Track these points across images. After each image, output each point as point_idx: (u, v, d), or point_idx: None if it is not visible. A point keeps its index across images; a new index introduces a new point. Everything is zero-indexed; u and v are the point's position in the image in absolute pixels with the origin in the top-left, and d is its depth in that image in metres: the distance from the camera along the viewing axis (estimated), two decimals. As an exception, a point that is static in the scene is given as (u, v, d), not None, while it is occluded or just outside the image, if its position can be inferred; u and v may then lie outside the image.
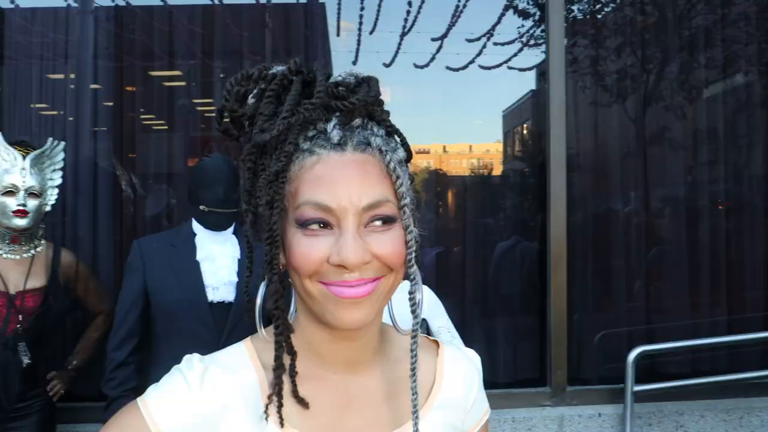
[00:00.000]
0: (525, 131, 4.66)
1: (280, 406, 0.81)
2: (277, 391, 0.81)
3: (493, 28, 3.87)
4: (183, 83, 3.51)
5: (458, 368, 0.97)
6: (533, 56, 3.96)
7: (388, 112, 0.86)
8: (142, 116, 3.44)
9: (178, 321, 2.27)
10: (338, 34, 3.84)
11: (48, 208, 2.44)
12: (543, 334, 3.03)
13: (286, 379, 0.83)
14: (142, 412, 0.82)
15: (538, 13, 3.98)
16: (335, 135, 0.79)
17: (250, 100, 0.82)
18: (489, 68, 3.87)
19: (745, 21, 3.54)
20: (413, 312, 0.85)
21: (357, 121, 0.81)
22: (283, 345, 0.82)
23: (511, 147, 4.56)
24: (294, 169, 0.79)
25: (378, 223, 0.79)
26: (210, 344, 2.25)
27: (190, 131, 3.51)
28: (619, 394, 2.84)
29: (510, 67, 3.87)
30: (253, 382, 0.85)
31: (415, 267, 0.82)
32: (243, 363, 0.87)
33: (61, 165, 2.49)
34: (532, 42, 4.01)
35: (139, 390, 2.25)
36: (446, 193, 4.01)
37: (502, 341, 3.21)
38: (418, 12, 3.75)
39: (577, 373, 3.06)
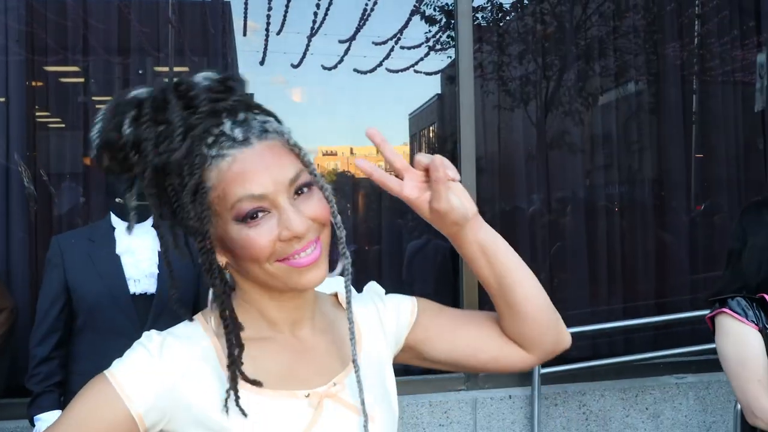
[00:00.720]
0: (431, 134, 4.82)
1: (237, 399, 0.86)
2: (232, 384, 0.86)
3: (401, 32, 3.99)
4: (81, 80, 3.44)
5: (367, 311, 1.05)
6: (439, 61, 4.14)
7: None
8: (38, 114, 3.35)
9: (100, 314, 2.24)
10: (245, 34, 3.85)
11: None
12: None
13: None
14: (112, 384, 0.86)
15: (444, 19, 4.14)
16: (238, 133, 0.85)
17: (126, 129, 0.84)
18: (396, 71, 3.99)
19: (634, 33, 3.84)
20: (342, 253, 0.94)
21: (241, 116, 0.87)
22: (234, 341, 0.87)
23: (418, 149, 4.70)
24: (211, 177, 0.84)
25: (302, 191, 0.87)
26: (133, 336, 2.19)
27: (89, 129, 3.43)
28: (527, 378, 3.01)
29: (417, 71, 4.02)
30: (209, 350, 0.91)
31: (338, 216, 0.91)
32: (198, 333, 0.93)
33: None
34: (438, 47, 4.17)
35: (64, 384, 2.22)
36: (355, 194, 4.09)
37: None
38: (326, 14, 3.82)
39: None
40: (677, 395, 3.19)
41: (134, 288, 2.28)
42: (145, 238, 2.34)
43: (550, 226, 3.65)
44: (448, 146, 3.96)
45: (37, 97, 3.34)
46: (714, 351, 1.87)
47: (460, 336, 1.05)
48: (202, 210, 0.84)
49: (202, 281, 2.42)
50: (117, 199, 2.31)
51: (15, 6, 3.21)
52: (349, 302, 0.95)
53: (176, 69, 3.54)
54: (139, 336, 2.24)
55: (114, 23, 3.37)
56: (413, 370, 3.13)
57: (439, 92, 4.39)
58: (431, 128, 4.75)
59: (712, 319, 1.87)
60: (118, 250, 2.30)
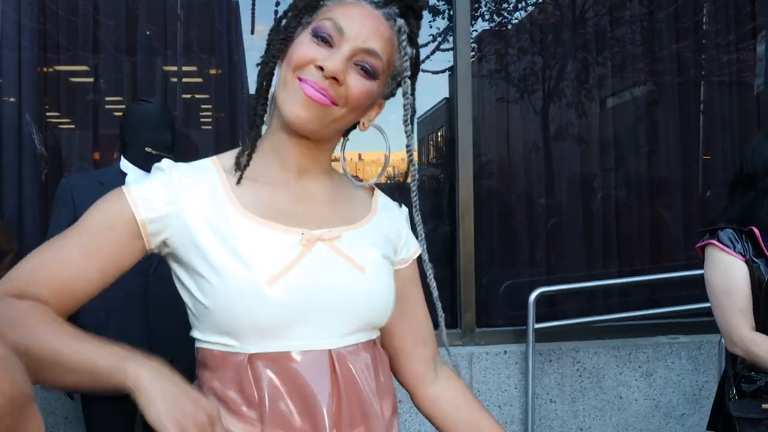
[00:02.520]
0: (439, 138, 4.74)
1: (244, 168, 1.01)
2: (246, 160, 1.01)
3: None
4: (90, 79, 3.47)
5: (389, 212, 1.16)
6: (446, 62, 3.92)
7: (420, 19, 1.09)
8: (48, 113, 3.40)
9: (109, 252, 2.34)
10: (252, 32, 3.83)
11: None
12: (454, 282, 3.25)
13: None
14: (125, 194, 0.99)
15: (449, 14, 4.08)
16: None
17: None
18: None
19: (638, 23, 3.84)
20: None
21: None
22: (249, 149, 1.01)
23: (426, 153, 4.60)
24: (329, 3, 1.00)
25: (361, 67, 0.97)
26: (139, 273, 2.34)
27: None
28: (522, 335, 3.09)
29: (424, 70, 3.90)
30: (215, 177, 1.02)
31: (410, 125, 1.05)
32: (207, 166, 1.04)
33: None
34: (444, 46, 4.09)
35: (71, 320, 2.31)
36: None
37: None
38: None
39: (486, 317, 3.29)
40: (670, 354, 3.27)
41: (142, 230, 2.37)
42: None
43: (547, 198, 3.70)
44: (480, 153, 3.93)
45: (48, 96, 3.39)
46: (706, 313, 1.94)
47: (398, 316, 1.13)
48: (307, 14, 1.00)
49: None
50: (147, 149, 2.41)
51: (27, 3, 3.28)
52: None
53: (184, 68, 3.61)
54: (143, 276, 2.37)
55: (123, 21, 3.43)
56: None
57: (447, 96, 4.34)
58: (439, 132, 4.73)
59: (703, 249, 1.94)
60: (130, 194, 2.40)
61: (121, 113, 3.18)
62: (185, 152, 3.18)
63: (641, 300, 3.50)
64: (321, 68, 0.95)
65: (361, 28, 0.97)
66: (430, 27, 3.83)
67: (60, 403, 2.82)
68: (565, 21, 3.75)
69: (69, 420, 2.84)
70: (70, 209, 2.36)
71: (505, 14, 4.00)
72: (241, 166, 1.01)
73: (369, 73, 0.98)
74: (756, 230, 1.85)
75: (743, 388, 1.87)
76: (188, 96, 3.58)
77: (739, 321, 1.82)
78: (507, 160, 3.75)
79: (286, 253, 0.98)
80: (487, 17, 3.96)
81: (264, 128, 1.06)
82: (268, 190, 1.02)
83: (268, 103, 1.03)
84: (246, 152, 1.01)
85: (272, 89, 1.02)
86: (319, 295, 0.98)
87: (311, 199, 1.05)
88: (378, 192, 1.18)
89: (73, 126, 3.42)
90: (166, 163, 1.03)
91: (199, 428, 0.82)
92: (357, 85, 0.97)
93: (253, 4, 3.70)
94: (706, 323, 2.92)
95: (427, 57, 3.81)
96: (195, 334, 1.05)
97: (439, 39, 3.95)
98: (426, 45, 3.87)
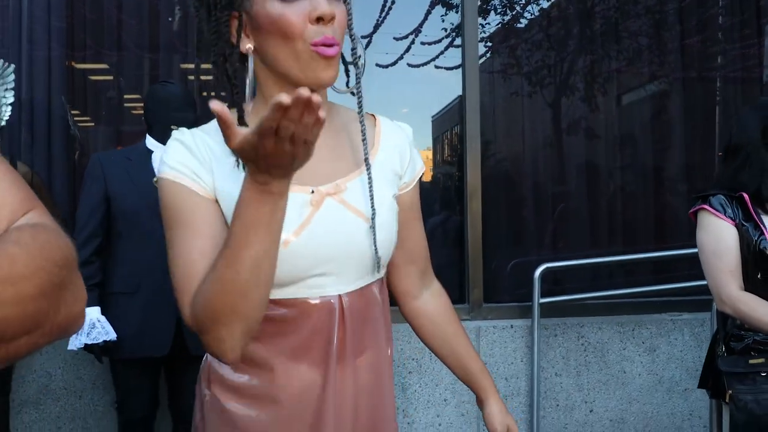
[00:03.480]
0: (454, 136, 4.69)
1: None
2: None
3: (420, 26, 3.89)
4: (111, 77, 3.56)
5: (392, 138, 1.21)
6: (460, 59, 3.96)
7: None
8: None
9: (137, 223, 2.51)
10: None
11: (3, 123, 2.59)
12: (462, 261, 3.38)
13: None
14: (178, 182, 1.03)
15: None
16: None
17: None
18: (417, 66, 3.90)
19: (649, 15, 3.91)
20: (354, 65, 1.10)
21: None
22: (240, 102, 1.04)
23: (441, 152, 4.57)
24: None
25: None
26: (164, 243, 2.48)
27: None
28: (528, 311, 3.21)
29: (437, 66, 3.90)
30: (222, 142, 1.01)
31: (354, 29, 1.07)
32: (213, 128, 1.09)
33: (12, 85, 2.66)
34: (457, 43, 4.13)
35: (102, 285, 2.46)
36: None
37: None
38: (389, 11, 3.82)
39: (493, 293, 3.41)
40: (673, 331, 3.37)
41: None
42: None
43: (555, 192, 3.80)
44: (488, 141, 3.89)
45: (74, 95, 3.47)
46: (708, 291, 2.04)
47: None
48: None
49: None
50: (173, 127, 2.56)
51: (56, 3, 3.39)
52: (360, 106, 1.11)
53: (202, 66, 3.69)
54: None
55: (145, 19, 3.53)
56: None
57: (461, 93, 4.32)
58: (454, 130, 4.69)
59: (696, 215, 2.06)
60: (155, 170, 2.54)
61: (139, 111, 3.34)
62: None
63: (645, 278, 3.60)
64: (319, 19, 0.99)
65: None
66: (443, 21, 3.91)
67: (89, 368, 2.98)
68: (576, 14, 3.86)
69: (96, 385, 3.00)
70: (101, 183, 2.52)
71: (518, 8, 4.10)
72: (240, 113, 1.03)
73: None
74: (746, 195, 1.97)
75: (732, 345, 1.99)
76: (205, 94, 3.71)
77: (729, 281, 1.93)
78: (513, 147, 3.86)
79: (299, 213, 1.06)
80: (499, 11, 4.06)
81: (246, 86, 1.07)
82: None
83: (248, 85, 1.05)
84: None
85: (249, 73, 1.05)
86: (329, 252, 1.08)
87: (317, 149, 1.07)
88: (379, 119, 1.21)
89: (93, 123, 3.55)
90: (180, 133, 1.07)
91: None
92: (341, 13, 1.02)
93: None
94: (708, 301, 3.02)
95: (441, 53, 3.89)
96: None
97: (453, 35, 4.07)
98: (440, 41, 3.97)
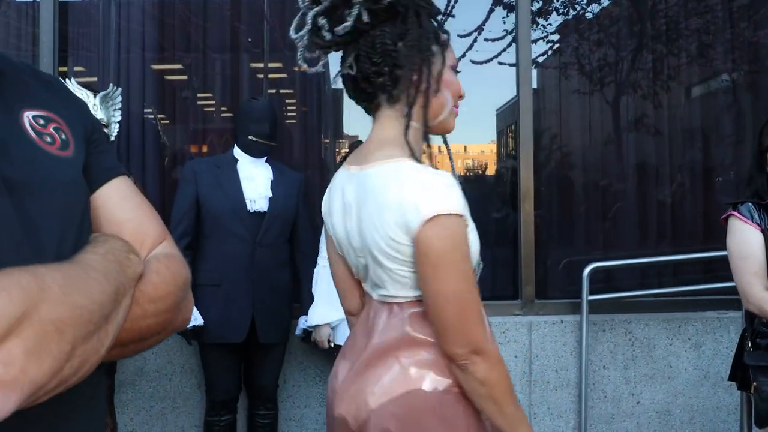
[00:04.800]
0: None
1: None
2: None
3: (483, 24, 4.03)
4: (185, 77, 3.89)
5: None
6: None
7: None
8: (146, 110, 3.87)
9: (223, 225, 2.84)
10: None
11: (112, 139, 2.97)
12: (515, 259, 3.62)
13: None
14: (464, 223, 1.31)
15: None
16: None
17: None
18: (480, 63, 4.03)
19: (712, 12, 4.03)
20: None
21: None
22: None
23: (505, 145, 4.52)
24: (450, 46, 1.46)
25: None
26: (248, 242, 2.82)
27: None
28: (578, 307, 3.42)
29: (501, 63, 4.00)
30: None
31: None
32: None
33: (119, 105, 3.01)
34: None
35: (192, 277, 2.80)
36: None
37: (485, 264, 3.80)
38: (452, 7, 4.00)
39: (545, 290, 3.64)
40: (718, 328, 3.52)
41: (251, 206, 2.86)
42: (262, 169, 2.93)
43: (606, 193, 3.98)
44: (543, 141, 4.11)
45: (147, 94, 3.80)
46: None
47: None
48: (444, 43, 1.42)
49: (299, 208, 2.99)
50: (250, 137, 2.89)
51: (138, 7, 3.76)
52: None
53: (270, 65, 4.00)
54: (251, 244, 2.95)
55: (215, 22, 3.83)
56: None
57: (535, 86, 4.23)
58: (512, 127, 4.68)
59: (726, 220, 2.26)
60: (240, 177, 2.89)
61: (211, 108, 3.70)
62: (282, 142, 3.67)
63: (692, 277, 3.76)
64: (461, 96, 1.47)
65: None
66: (504, 23, 4.06)
67: (178, 354, 3.35)
68: (632, 13, 4.03)
69: (185, 369, 3.36)
70: (192, 187, 2.87)
71: (573, 9, 4.27)
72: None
73: None
74: None
75: (758, 342, 2.18)
76: (273, 91, 4.04)
77: (754, 282, 2.13)
78: (567, 147, 4.06)
79: None
80: (560, 11, 4.23)
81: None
82: None
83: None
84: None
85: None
86: None
87: None
88: None
89: (168, 121, 3.89)
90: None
91: None
92: None
93: None
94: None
95: (504, 50, 4.01)
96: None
97: (512, 35, 4.22)
98: (501, 38, 4.09)
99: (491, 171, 4.37)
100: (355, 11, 1.32)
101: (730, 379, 2.35)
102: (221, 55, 3.93)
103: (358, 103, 1.47)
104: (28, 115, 0.82)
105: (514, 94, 3.77)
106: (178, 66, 3.94)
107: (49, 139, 0.82)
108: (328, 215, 1.48)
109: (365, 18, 1.33)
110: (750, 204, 2.20)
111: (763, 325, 2.17)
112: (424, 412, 1.28)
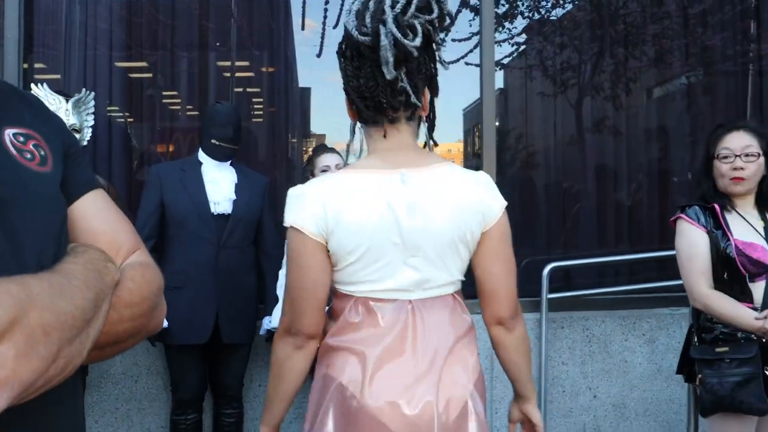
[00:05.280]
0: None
1: None
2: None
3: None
4: (149, 74, 3.89)
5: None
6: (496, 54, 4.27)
7: None
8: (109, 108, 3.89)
9: (187, 227, 2.87)
10: (303, 28, 4.06)
11: (84, 143, 2.98)
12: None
13: None
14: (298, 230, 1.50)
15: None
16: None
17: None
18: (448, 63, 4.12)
19: (670, 18, 4.18)
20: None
21: None
22: None
23: (472, 145, 4.58)
24: None
25: None
26: (212, 245, 2.86)
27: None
28: (538, 305, 3.52)
29: (467, 63, 4.05)
30: None
31: None
32: None
33: (92, 110, 3.03)
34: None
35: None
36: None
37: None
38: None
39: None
40: (671, 324, 3.66)
41: (215, 209, 2.90)
42: (226, 172, 2.97)
43: (567, 194, 4.12)
44: (508, 141, 4.27)
45: (113, 92, 3.81)
46: None
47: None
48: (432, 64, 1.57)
49: (264, 210, 3.03)
50: (213, 141, 2.92)
51: (104, 5, 3.75)
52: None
53: (237, 63, 4.03)
54: (216, 246, 2.99)
55: (181, 19, 3.84)
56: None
57: (501, 86, 4.40)
58: (476, 127, 4.70)
59: (675, 222, 2.37)
60: (204, 180, 2.92)
61: (177, 107, 3.72)
62: (249, 140, 3.71)
63: (646, 275, 3.89)
64: None
65: None
66: (470, 26, 4.16)
67: (144, 356, 3.37)
68: (592, 17, 4.15)
69: (150, 371, 3.39)
70: (157, 191, 2.90)
71: (542, 10, 4.38)
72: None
73: None
74: (717, 207, 2.27)
75: (704, 337, 2.30)
76: (240, 90, 4.05)
77: (699, 281, 2.25)
78: (529, 149, 4.17)
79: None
80: (526, 14, 4.32)
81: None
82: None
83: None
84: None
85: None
86: None
87: None
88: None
89: (133, 119, 3.88)
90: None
91: None
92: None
93: (304, 1, 4.06)
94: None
95: (471, 51, 4.06)
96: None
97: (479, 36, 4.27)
98: (468, 39, 4.13)
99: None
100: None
101: (678, 372, 2.46)
102: (188, 53, 3.94)
103: (379, 112, 1.53)
104: (8, 133, 0.88)
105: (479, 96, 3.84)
106: (144, 64, 3.94)
107: (29, 155, 0.88)
108: (359, 221, 1.48)
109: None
110: (697, 207, 2.32)
111: (708, 321, 2.28)
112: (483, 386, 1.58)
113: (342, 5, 4.05)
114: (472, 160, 4.33)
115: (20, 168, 0.86)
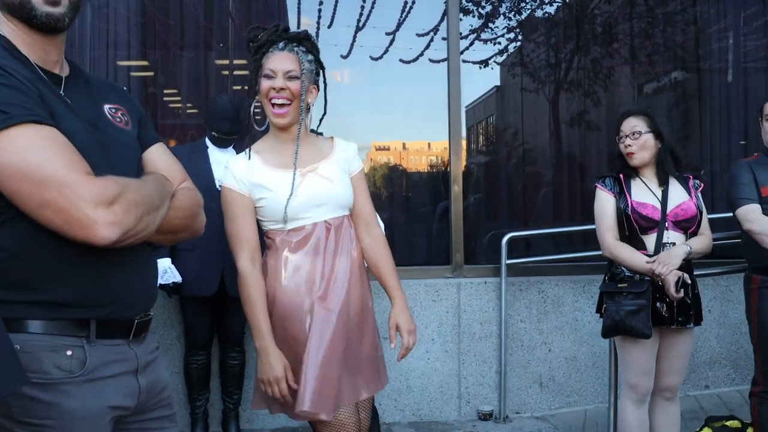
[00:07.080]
0: (489, 127, 5.04)
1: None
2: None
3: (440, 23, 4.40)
4: (151, 73, 4.32)
5: (343, 149, 2.30)
6: (489, 51, 4.68)
7: (313, 43, 2.22)
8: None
9: (197, 200, 3.44)
10: (298, 27, 4.35)
11: None
12: (448, 231, 4.27)
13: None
14: (229, 188, 2.23)
15: (485, 11, 4.72)
16: (281, 45, 2.13)
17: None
18: (438, 61, 4.33)
19: (641, 19, 4.73)
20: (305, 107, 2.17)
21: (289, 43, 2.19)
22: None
23: (475, 141, 5.09)
24: (266, 58, 2.16)
25: (290, 77, 2.14)
26: (217, 214, 3.42)
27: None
28: (499, 271, 4.07)
29: (465, 61, 4.32)
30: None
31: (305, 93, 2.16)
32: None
33: None
34: (483, 37, 4.64)
35: (159, 252, 3.41)
36: (408, 184, 4.99)
37: (422, 236, 4.49)
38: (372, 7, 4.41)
39: (472, 257, 4.30)
40: (616, 288, 4.21)
41: (219, 185, 3.46)
42: (228, 154, 3.53)
43: (526, 175, 4.70)
44: (506, 138, 4.79)
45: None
46: None
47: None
48: (258, 66, 2.17)
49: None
50: (213, 133, 3.50)
51: (106, 5, 4.19)
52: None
53: (235, 62, 4.46)
54: (220, 215, 3.46)
55: (180, 19, 4.26)
56: (415, 262, 4.26)
57: (498, 84, 4.87)
58: (489, 120, 5.06)
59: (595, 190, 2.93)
60: (210, 161, 3.49)
61: (177, 104, 4.25)
62: (245, 128, 4.25)
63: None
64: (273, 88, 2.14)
65: (281, 62, 2.14)
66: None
67: (161, 310, 3.93)
68: (567, 18, 4.72)
69: (166, 324, 3.95)
70: None
71: (500, 7, 4.81)
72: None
73: (294, 78, 2.14)
74: (622, 176, 2.83)
75: (611, 275, 2.85)
76: (239, 88, 4.42)
77: (607, 234, 2.80)
78: (494, 137, 4.75)
79: (297, 182, 2.15)
80: (485, 9, 4.73)
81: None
82: (275, 156, 2.20)
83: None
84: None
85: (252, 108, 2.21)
86: (315, 199, 2.15)
87: (302, 154, 2.19)
88: (335, 139, 2.34)
89: None
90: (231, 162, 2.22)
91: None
92: (291, 84, 2.14)
93: (299, 1, 4.46)
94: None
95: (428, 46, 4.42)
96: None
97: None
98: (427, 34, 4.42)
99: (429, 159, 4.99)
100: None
101: (597, 311, 3.01)
102: (187, 52, 4.40)
103: None
104: (107, 107, 1.49)
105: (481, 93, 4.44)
106: (145, 63, 4.41)
107: (119, 120, 1.50)
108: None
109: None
110: (609, 177, 2.88)
111: (616, 268, 2.83)
112: None
113: (336, 4, 4.44)
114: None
115: (115, 128, 1.47)
